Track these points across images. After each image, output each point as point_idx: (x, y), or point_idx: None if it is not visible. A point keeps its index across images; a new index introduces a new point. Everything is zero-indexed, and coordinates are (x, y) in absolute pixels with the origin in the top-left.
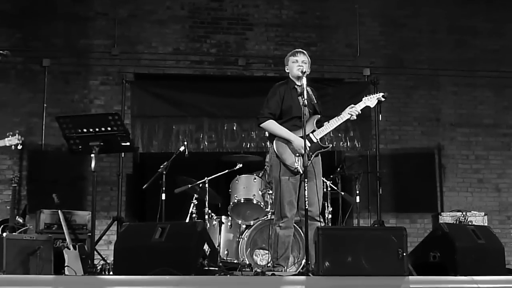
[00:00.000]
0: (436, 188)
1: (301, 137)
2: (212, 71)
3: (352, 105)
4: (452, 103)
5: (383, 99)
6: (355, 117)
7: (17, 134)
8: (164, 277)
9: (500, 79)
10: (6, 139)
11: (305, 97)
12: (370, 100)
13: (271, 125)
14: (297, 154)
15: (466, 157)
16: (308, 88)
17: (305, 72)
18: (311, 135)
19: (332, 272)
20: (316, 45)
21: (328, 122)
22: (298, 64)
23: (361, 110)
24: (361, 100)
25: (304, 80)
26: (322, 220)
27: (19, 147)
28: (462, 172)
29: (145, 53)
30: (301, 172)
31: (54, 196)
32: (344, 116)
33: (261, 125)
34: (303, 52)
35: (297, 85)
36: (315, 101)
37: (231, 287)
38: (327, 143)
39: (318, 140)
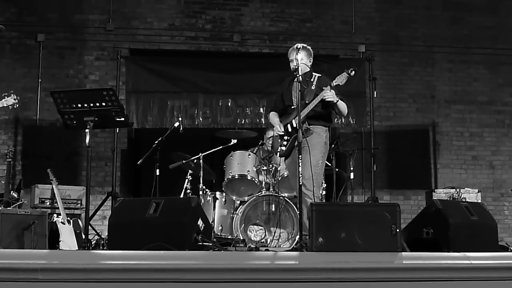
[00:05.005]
0: (430, 165)
1: (287, 124)
2: (207, 47)
3: (324, 88)
4: (447, 80)
5: (352, 74)
6: (327, 98)
7: (12, 94)
8: (158, 252)
9: (495, 56)
10: (2, 100)
11: (299, 73)
12: (340, 78)
13: (270, 116)
14: (278, 138)
15: (460, 134)
16: (316, 77)
17: (296, 69)
18: (293, 121)
19: (325, 248)
20: (312, 21)
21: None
22: (293, 64)
23: (333, 87)
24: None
25: (299, 73)
26: (307, 193)
27: (16, 106)
28: (456, 149)
29: (140, 29)
30: (279, 156)
31: (49, 171)
32: (317, 100)
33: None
34: (295, 50)
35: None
36: (313, 88)
37: (225, 263)
38: (303, 126)
39: (296, 124)
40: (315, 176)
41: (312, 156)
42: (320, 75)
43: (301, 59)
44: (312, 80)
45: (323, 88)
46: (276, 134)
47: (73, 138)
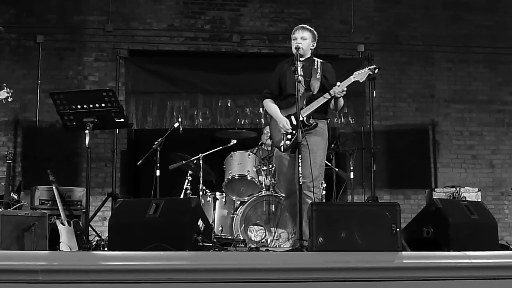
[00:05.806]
0: (430, 164)
1: (290, 115)
2: (206, 48)
3: (339, 83)
4: (447, 79)
5: (375, 72)
6: (339, 95)
7: (5, 87)
8: (158, 252)
9: (494, 55)
10: None
11: (299, 73)
12: (360, 75)
13: (266, 103)
14: (282, 132)
15: (460, 133)
16: (319, 64)
17: (299, 48)
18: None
19: (325, 247)
20: (311, 21)
21: (316, 100)
22: (297, 41)
23: (349, 84)
24: (351, 75)
25: (298, 55)
26: (309, 194)
27: (10, 99)
28: (456, 148)
29: (140, 30)
30: (283, 151)
31: (49, 172)
32: (328, 95)
33: (262, 103)
34: (301, 28)
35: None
36: (318, 77)
37: (225, 263)
38: (311, 121)
39: (304, 118)
40: (320, 176)
41: (317, 155)
42: (321, 60)
43: (305, 38)
44: (316, 67)
45: (332, 83)
46: (284, 132)
47: (72, 139)
